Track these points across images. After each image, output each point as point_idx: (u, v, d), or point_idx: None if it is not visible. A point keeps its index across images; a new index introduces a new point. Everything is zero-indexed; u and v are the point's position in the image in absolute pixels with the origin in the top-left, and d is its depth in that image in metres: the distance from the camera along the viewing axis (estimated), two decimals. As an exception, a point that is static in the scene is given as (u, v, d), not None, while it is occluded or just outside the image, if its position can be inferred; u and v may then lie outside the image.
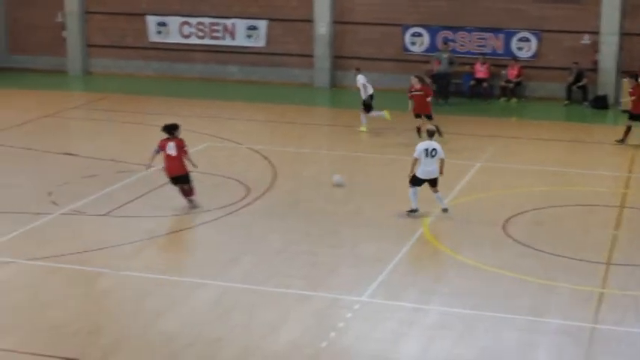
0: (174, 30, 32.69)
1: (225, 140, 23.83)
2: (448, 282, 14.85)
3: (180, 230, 17.14)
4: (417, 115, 23.79)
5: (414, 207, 17.86)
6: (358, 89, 25.03)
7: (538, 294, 14.36)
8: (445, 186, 19.73)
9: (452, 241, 16.65)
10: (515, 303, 14.00)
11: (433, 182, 17.84)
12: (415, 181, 17.79)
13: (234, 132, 24.75)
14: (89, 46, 33.74)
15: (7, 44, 34.56)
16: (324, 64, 31.26)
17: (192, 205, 18.24)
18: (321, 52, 31.23)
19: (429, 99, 23.87)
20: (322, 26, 31.06)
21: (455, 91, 29.92)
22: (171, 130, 18.14)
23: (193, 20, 32.39)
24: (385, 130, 24.81)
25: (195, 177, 19.90)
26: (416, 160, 17.65)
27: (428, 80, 24.76)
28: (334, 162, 22.36)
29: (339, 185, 19.80)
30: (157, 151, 18.10)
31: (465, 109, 28.51)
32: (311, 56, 31.40)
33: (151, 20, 32.79)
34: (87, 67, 33.78)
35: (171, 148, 17.93)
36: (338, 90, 30.81)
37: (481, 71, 29.80)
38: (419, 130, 23.20)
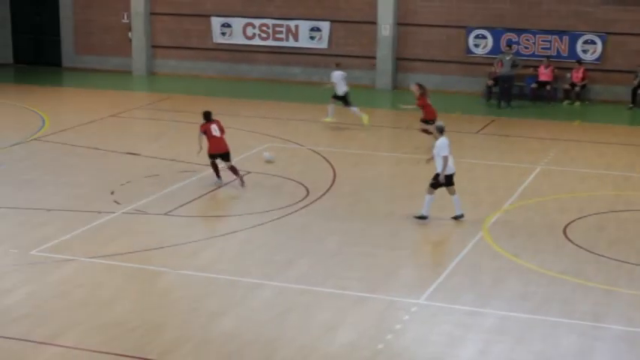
0: (238, 31, 32.92)
1: (287, 141, 23.94)
2: (507, 286, 14.74)
3: (239, 230, 17.24)
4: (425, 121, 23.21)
5: (426, 213, 17.57)
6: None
7: (598, 299, 14.20)
8: (506, 189, 19.64)
9: (511, 245, 16.52)
10: (574, 308, 13.86)
11: (452, 180, 17.55)
12: (439, 184, 17.50)
13: (296, 133, 24.84)
14: (154, 46, 34.13)
15: (75, 45, 35.11)
16: (386, 66, 31.23)
17: (243, 182, 19.64)
18: (384, 53, 31.20)
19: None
20: (385, 28, 31.04)
21: (518, 93, 29.68)
22: (209, 115, 20.08)
23: (257, 22, 32.58)
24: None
25: (255, 178, 20.09)
26: (447, 158, 17.33)
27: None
28: (395, 164, 22.33)
29: (269, 161, 20.82)
30: (203, 135, 19.88)
31: (528, 112, 28.25)
32: (373, 58, 31.39)
33: (216, 21, 33.06)
34: (151, 67, 34.17)
35: (215, 130, 19.85)
36: (400, 92, 30.75)
37: (545, 74, 29.51)
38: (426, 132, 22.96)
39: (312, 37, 32.17)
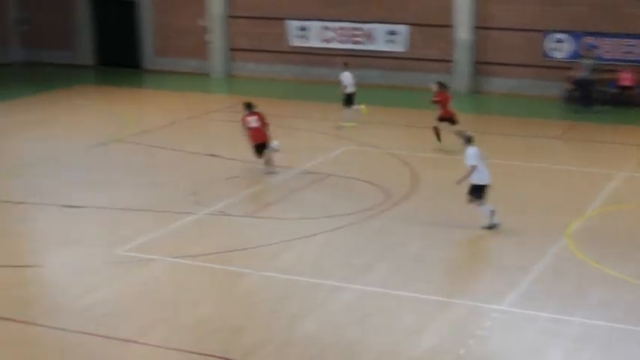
0: (314, 34, 33.06)
1: (365, 145, 23.96)
2: (590, 293, 14.57)
3: (319, 233, 17.32)
4: (442, 119, 23.32)
5: (494, 222, 17.20)
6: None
7: (685, 309, 13.98)
8: (587, 195, 19.41)
9: (595, 252, 16.31)
10: (660, 317, 13.67)
11: (484, 191, 17.12)
12: (479, 191, 17.14)
13: (374, 136, 24.83)
14: (232, 49, 34.44)
15: (154, 47, 35.61)
16: (464, 70, 31.08)
17: (272, 170, 20.82)
18: (462, 57, 31.06)
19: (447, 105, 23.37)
20: (463, 32, 30.89)
21: (599, 98, 29.26)
22: (251, 106, 21.33)
23: (334, 25, 32.68)
24: (515, 137, 24.52)
25: (334, 180, 20.16)
26: (474, 168, 17.05)
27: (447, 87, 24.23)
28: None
29: (276, 150, 21.07)
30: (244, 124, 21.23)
31: (609, 117, 27.84)
32: (451, 61, 31.27)
33: (292, 24, 33.24)
34: (229, 70, 34.47)
35: (254, 121, 21.08)
36: (478, 96, 30.58)
37: (626, 79, 29.08)
38: (437, 134, 23.19)
39: (389, 41, 32.17)
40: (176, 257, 15.96)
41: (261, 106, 28.62)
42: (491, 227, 17.24)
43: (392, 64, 32.19)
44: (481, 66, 31.10)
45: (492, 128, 25.13)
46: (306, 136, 24.91)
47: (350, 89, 25.98)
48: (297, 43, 33.40)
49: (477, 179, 17.09)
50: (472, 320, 13.57)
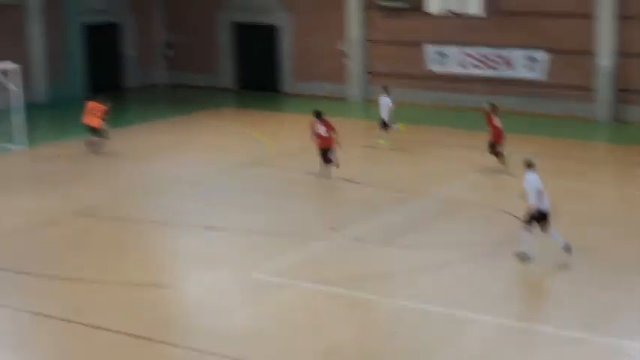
0: (453, 59, 32.98)
1: (500, 172, 23.64)
2: None
3: (454, 262, 17.23)
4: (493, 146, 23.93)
5: (526, 250, 16.84)
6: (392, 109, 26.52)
7: None
8: None
9: None
10: None
11: (546, 218, 16.89)
12: (539, 217, 16.84)
13: (510, 164, 24.49)
14: (369, 73, 34.66)
15: (293, 71, 36.16)
16: (605, 98, 30.42)
17: (327, 173, 22.78)
18: (603, 84, 30.42)
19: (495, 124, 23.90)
20: (604, 58, 30.28)
21: None
22: (320, 115, 23.20)
23: (473, 50, 32.53)
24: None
25: (470, 209, 20.08)
26: (539, 193, 16.78)
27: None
28: (620, 200, 21.71)
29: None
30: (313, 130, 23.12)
31: None
32: (591, 89, 30.67)
33: (431, 49, 33.24)
34: (367, 94, 34.68)
35: (320, 128, 22.98)
36: (620, 125, 29.86)
37: None
38: (496, 155, 23.80)
39: (528, 67, 31.80)
40: (311, 282, 16.14)
41: (398, 131, 28.75)
42: (524, 256, 16.84)
43: (530, 91, 31.80)
44: (623, 94, 30.39)
45: (634, 158, 24.50)
46: (440, 163, 24.84)
47: (386, 113, 26.64)
48: (435, 68, 33.37)
49: (543, 206, 16.82)
50: (612, 358, 13.27)
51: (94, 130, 25.74)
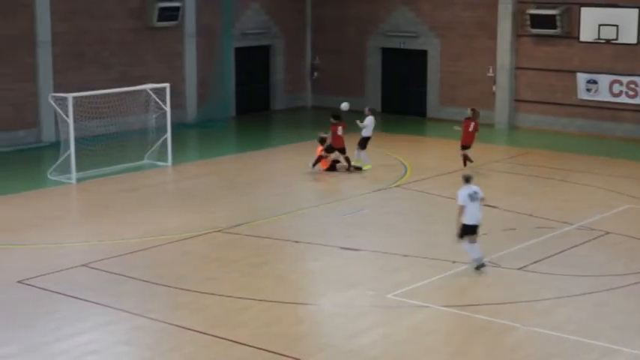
0: (603, 88, 32.24)
1: (650, 204, 23.03)
2: None
3: (594, 292, 16.82)
4: (463, 147, 26.91)
5: (475, 256, 17.74)
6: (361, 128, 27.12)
7: None
8: None
9: None
10: None
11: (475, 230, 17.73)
12: (466, 231, 17.62)
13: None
14: (517, 100, 34.27)
15: (439, 96, 36.10)
16: None
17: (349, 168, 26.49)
18: None
19: (470, 129, 26.79)
20: None
21: None
22: (338, 117, 26.65)
23: (624, 79, 31.74)
24: None
25: (612, 239, 19.58)
26: (462, 208, 17.52)
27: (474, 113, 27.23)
28: None
29: (345, 108, 27.16)
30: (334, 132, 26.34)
31: None
32: None
33: (582, 77, 32.61)
34: (513, 121, 34.31)
35: (340, 131, 26.29)
36: None
37: None
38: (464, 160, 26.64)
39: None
40: (445, 306, 16.05)
41: (545, 158, 28.35)
42: (478, 265, 17.75)
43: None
44: None
45: None
46: (586, 192, 24.32)
47: (367, 133, 27.13)
48: (584, 96, 32.72)
49: (466, 219, 17.61)
50: None
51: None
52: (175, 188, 25.48)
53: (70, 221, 22.34)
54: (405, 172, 26.83)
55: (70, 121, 25.21)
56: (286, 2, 38.35)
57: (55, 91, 28.48)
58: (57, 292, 16.74)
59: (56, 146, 27.10)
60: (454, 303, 16.17)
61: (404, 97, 37.11)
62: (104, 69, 32.11)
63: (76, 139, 25.45)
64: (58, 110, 25.64)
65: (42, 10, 30.35)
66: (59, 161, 25.60)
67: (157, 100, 27.70)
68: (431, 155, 30.04)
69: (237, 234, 20.56)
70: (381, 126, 35.31)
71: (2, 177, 26.23)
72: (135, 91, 28.01)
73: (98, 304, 16.17)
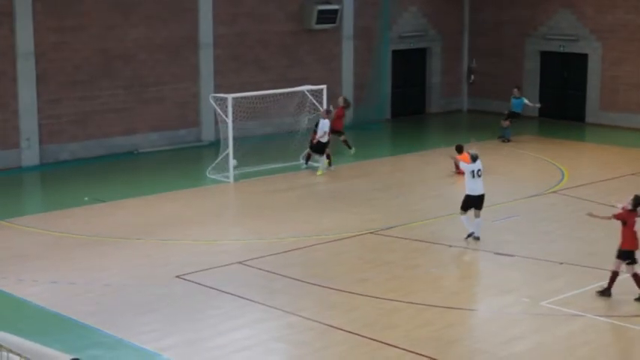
0: None
1: None
2: None
3: None
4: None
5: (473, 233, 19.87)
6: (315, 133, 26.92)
7: None
8: None
9: None
10: None
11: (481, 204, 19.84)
12: (468, 202, 19.90)
13: None
14: (682, 106, 33.18)
15: (600, 101, 35.18)
16: None
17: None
18: None
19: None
20: None
21: None
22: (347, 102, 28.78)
23: None
24: None
25: None
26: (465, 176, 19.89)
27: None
28: None
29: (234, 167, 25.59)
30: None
31: None
32: None
33: None
34: (678, 126, 33.21)
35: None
36: None
37: None
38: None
39: None
40: (601, 315, 15.65)
41: None
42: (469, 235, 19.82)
43: None
44: None
45: None
46: None
47: (325, 138, 26.70)
48: None
49: (468, 190, 19.85)
50: None
51: None
52: (330, 189, 25.71)
53: (228, 219, 22.90)
54: (562, 177, 26.28)
55: (229, 120, 25.82)
56: (444, 5, 38.16)
57: (216, 92, 29.25)
58: (212, 288, 17.17)
59: (215, 145, 27.76)
60: (611, 313, 15.75)
61: (562, 102, 36.34)
62: (263, 70, 32.72)
63: (234, 139, 26.03)
64: (218, 110, 26.31)
65: (205, 13, 31.19)
66: (218, 160, 26.24)
67: (314, 101, 28.04)
68: (590, 161, 29.33)
69: (390, 236, 20.61)
70: (538, 131, 34.79)
71: (166, 174, 27.11)
72: (292, 93, 28.43)
73: (252, 301, 16.51)
